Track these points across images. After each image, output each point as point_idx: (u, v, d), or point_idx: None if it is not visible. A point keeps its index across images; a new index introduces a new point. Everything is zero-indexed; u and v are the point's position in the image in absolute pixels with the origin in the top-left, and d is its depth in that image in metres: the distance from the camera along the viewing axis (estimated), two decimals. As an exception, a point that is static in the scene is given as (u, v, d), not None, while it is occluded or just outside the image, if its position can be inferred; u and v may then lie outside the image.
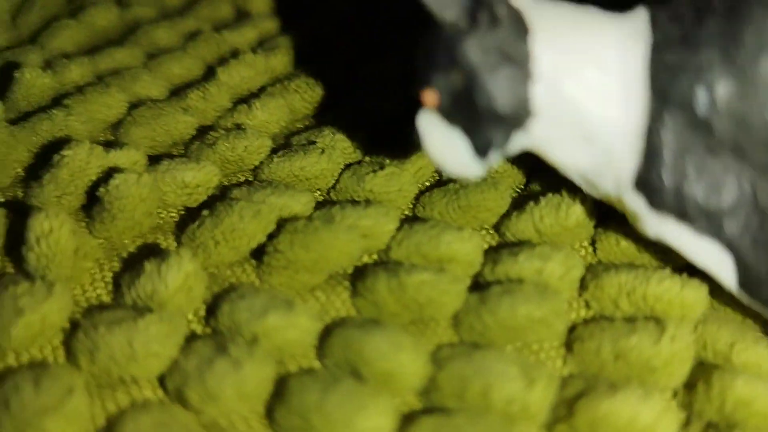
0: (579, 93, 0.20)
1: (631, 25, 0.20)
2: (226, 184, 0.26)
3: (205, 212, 0.24)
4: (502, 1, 0.20)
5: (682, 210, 0.20)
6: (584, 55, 0.20)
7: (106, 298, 0.22)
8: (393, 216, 0.24)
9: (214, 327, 0.21)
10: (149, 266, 0.21)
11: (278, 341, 0.20)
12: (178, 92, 0.30)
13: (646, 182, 0.20)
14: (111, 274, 0.23)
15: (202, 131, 0.28)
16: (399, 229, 0.23)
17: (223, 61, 0.31)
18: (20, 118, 0.28)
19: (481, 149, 0.20)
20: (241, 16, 0.35)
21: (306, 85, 0.30)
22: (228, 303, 0.21)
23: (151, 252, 0.23)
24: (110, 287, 0.22)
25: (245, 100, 0.29)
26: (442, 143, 0.21)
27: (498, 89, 0.20)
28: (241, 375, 0.19)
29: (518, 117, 0.20)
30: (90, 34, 0.33)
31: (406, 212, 0.25)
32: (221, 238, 0.23)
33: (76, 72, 0.30)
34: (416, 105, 0.21)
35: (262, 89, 0.30)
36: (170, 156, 0.26)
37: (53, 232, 0.21)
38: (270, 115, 0.28)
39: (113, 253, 0.23)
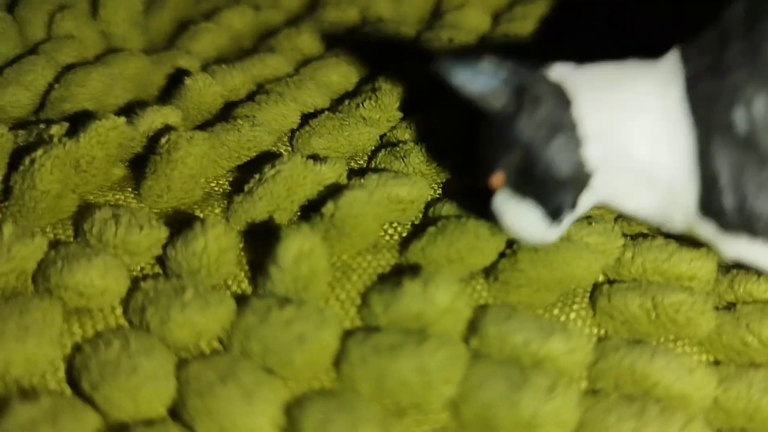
0: (628, 143, 0.21)
1: (664, 68, 0.22)
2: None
3: (431, 229, 0.23)
4: (539, 82, 0.21)
5: (750, 227, 0.21)
6: (625, 107, 0.21)
7: (354, 320, 0.22)
8: (617, 232, 0.24)
9: (477, 348, 0.21)
10: (412, 286, 0.21)
11: (562, 365, 0.20)
12: (341, 101, 0.29)
13: (710, 207, 0.21)
14: (344, 294, 0.22)
15: (384, 142, 0.27)
16: (625, 245, 0.24)
17: (379, 68, 0.30)
18: (198, 128, 0.27)
19: (554, 214, 0.22)
20: (367, 20, 0.35)
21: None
22: (494, 325, 0.21)
23: (379, 271, 0.23)
24: (347, 306, 0.22)
25: (413, 108, 0.29)
26: (518, 217, 0.22)
27: (555, 157, 0.21)
28: (554, 404, 0.19)
29: (580, 178, 0.21)
30: (229, 38, 0.32)
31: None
32: (456, 257, 0.23)
33: (238, 79, 0.29)
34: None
35: (424, 97, 0.30)
36: (367, 170, 0.26)
37: (312, 252, 0.21)
38: (451, 126, 0.28)
39: (339, 271, 0.23)
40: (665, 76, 0.21)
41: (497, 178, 0.22)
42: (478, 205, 0.24)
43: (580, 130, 0.21)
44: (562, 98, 0.21)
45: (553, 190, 0.21)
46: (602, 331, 0.22)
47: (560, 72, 0.22)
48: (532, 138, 0.21)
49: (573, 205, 0.22)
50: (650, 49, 0.23)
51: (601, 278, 0.23)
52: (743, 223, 0.21)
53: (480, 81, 0.22)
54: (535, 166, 0.21)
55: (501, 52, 0.23)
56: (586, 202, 0.22)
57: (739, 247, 0.21)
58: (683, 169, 0.21)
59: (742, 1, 0.21)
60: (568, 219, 0.22)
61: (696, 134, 0.21)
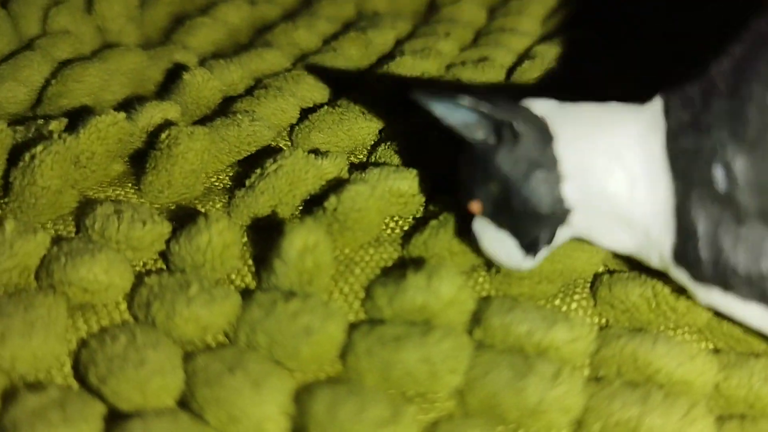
0: (607, 185, 0.21)
1: (647, 116, 0.21)
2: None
3: (433, 222, 0.23)
4: (520, 119, 0.21)
5: (724, 280, 0.21)
6: (606, 151, 0.21)
7: (358, 313, 0.22)
8: (616, 224, 0.24)
9: (481, 339, 0.21)
10: (416, 279, 0.21)
11: (565, 353, 0.20)
12: (339, 94, 0.29)
13: (685, 257, 0.21)
14: (348, 287, 0.22)
15: (384, 137, 0.27)
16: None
17: (377, 63, 0.31)
18: (197, 123, 0.27)
19: (529, 247, 0.22)
20: (363, 14, 0.35)
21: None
22: (497, 316, 0.21)
23: (381, 264, 0.23)
24: (350, 299, 0.22)
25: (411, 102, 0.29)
26: (494, 244, 0.22)
27: (532, 193, 0.21)
28: (559, 390, 0.19)
29: (557, 214, 0.21)
30: (225, 33, 0.32)
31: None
32: (458, 249, 0.23)
33: (236, 74, 0.29)
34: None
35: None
36: (367, 164, 0.26)
37: (317, 246, 0.21)
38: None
39: (342, 265, 0.23)
40: (648, 124, 0.21)
41: (475, 206, 0.22)
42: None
43: (560, 168, 0.21)
44: (544, 134, 0.21)
45: (529, 224, 0.21)
46: (603, 321, 0.22)
47: (544, 107, 0.22)
48: (510, 172, 0.21)
49: (549, 240, 0.22)
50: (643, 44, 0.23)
51: (601, 269, 0.24)
52: (717, 276, 0.21)
53: (459, 114, 0.22)
54: (513, 199, 0.21)
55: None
56: (562, 236, 0.22)
57: (711, 298, 0.21)
58: (660, 217, 0.21)
59: (730, 59, 0.21)
60: (544, 251, 0.22)
61: (674, 185, 0.21)
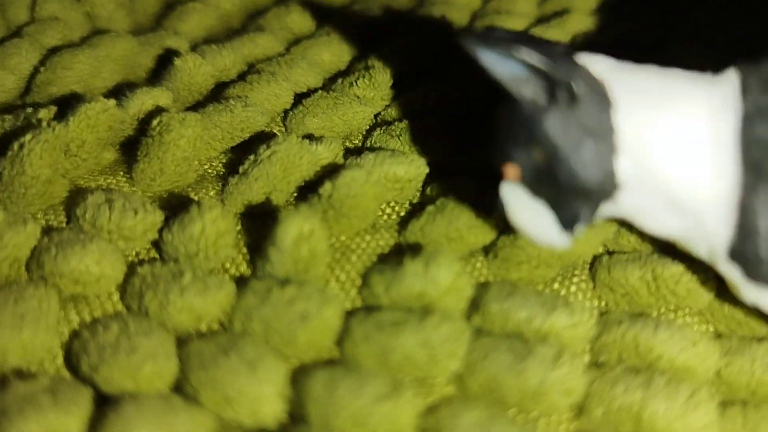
0: (666, 165, 0.19)
1: (721, 92, 0.19)
2: (422, 176, 0.25)
3: (430, 208, 0.23)
4: (580, 79, 0.19)
5: None
6: (670, 127, 0.19)
7: (355, 301, 0.21)
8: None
9: (479, 326, 0.21)
10: (413, 266, 0.21)
11: (565, 339, 0.20)
12: (333, 80, 0.29)
13: (742, 254, 0.19)
14: (344, 275, 0.22)
15: (379, 121, 0.27)
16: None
17: (371, 46, 0.30)
18: (189, 109, 0.26)
19: (568, 223, 0.20)
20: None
21: (462, 73, 0.29)
22: (496, 302, 0.21)
23: (378, 251, 0.23)
24: (347, 287, 0.22)
25: (407, 86, 0.28)
26: (527, 215, 0.20)
27: (582, 165, 0.19)
28: (560, 371, 0.19)
29: (605, 190, 0.19)
30: (217, 18, 0.32)
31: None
32: (456, 235, 0.22)
33: (228, 59, 0.29)
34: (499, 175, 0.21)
35: (417, 75, 0.29)
36: (362, 149, 0.25)
37: (312, 234, 0.20)
38: (446, 104, 0.28)
39: (338, 252, 0.23)
40: (720, 104, 0.19)
41: (511, 171, 0.20)
42: (474, 184, 0.24)
43: (616, 139, 0.19)
44: (603, 99, 0.19)
45: (571, 199, 0.19)
46: (602, 304, 0.22)
47: (602, 67, 0.19)
48: (560, 139, 0.19)
49: (590, 217, 0.20)
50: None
51: (600, 249, 0.23)
52: None
53: (509, 66, 0.19)
54: (559, 169, 0.19)
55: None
56: (604, 213, 0.20)
57: (761, 298, 0.20)
58: (720, 208, 0.19)
59: None
60: (582, 228, 0.20)
61: (742, 177, 0.19)
